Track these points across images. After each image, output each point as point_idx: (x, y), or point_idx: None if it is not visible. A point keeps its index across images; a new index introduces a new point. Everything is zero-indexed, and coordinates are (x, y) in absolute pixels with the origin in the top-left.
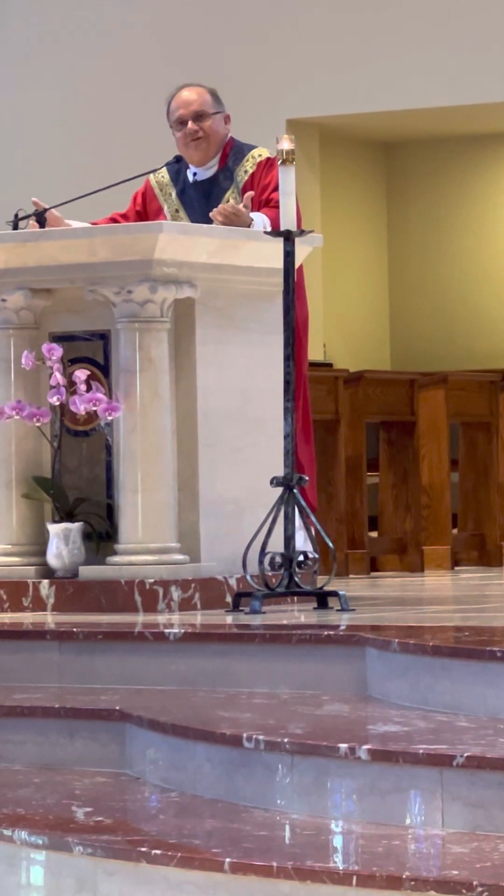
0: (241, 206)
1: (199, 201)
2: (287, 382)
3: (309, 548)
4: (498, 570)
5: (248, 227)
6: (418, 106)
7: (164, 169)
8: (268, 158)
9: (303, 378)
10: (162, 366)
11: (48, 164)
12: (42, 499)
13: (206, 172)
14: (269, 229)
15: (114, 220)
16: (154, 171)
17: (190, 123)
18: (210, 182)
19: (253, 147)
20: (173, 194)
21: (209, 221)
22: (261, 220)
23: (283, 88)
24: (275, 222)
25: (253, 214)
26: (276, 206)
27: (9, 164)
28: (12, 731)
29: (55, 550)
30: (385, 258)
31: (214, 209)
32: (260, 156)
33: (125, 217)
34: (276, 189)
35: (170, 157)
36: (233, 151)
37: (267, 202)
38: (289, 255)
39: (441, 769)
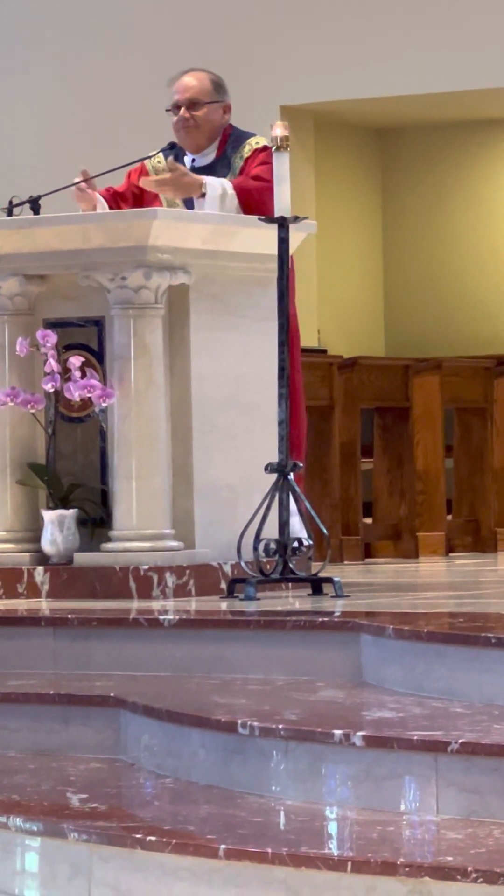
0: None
1: None
2: (281, 369)
3: (303, 534)
4: (492, 556)
5: (199, 186)
6: (413, 92)
7: (161, 155)
8: (265, 146)
9: (295, 366)
10: (156, 352)
11: (37, 151)
12: (36, 485)
13: (203, 160)
14: (229, 193)
15: (110, 193)
16: (149, 156)
17: (182, 110)
18: (207, 169)
19: (252, 135)
20: None
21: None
22: (219, 183)
23: (277, 75)
24: (241, 190)
25: (209, 178)
26: (254, 178)
27: None
28: (7, 717)
29: (50, 537)
30: (380, 244)
31: (154, 182)
32: (257, 143)
33: (121, 194)
34: (261, 164)
35: (162, 143)
36: (231, 139)
37: (248, 174)
38: (283, 242)
39: (436, 755)
